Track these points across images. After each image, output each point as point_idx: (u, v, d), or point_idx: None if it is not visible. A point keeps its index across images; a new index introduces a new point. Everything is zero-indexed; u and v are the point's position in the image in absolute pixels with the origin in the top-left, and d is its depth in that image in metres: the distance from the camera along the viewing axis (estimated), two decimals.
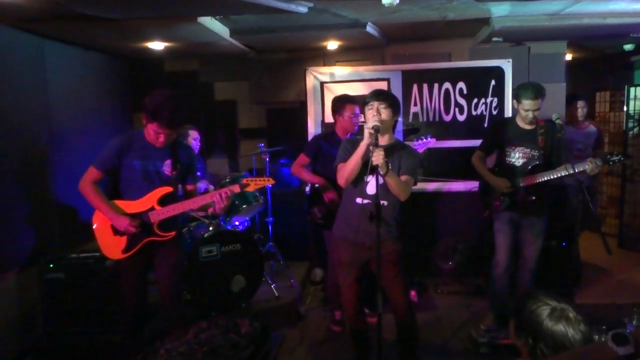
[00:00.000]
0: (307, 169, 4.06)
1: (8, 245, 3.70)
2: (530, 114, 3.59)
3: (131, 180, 3.01)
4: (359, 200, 2.95)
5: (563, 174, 3.53)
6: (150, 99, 2.88)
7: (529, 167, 3.65)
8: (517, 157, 3.73)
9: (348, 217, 3.03)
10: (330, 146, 3.91)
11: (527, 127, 3.70)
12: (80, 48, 4.68)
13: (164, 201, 3.02)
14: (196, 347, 2.39)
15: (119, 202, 3.03)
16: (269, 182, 3.18)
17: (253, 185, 3.11)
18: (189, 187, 3.25)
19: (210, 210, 3.15)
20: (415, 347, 3.21)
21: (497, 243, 3.86)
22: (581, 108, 4.78)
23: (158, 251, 3.12)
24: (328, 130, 4.30)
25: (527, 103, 3.57)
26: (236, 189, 3.06)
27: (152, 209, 3.01)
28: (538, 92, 3.55)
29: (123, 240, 3.02)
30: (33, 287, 3.88)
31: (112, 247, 3.05)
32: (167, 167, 3.05)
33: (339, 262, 3.14)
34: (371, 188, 2.82)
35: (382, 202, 2.88)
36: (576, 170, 3.40)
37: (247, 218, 4.71)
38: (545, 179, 3.59)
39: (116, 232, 3.02)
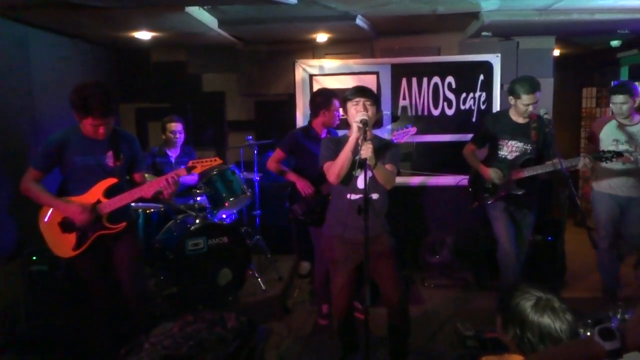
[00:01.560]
0: (283, 164, 4.01)
1: None
2: (530, 108, 3.60)
3: (74, 176, 2.97)
4: (349, 196, 2.94)
5: (551, 169, 3.55)
6: (75, 94, 2.80)
7: (521, 162, 3.66)
8: (509, 150, 3.74)
9: (340, 215, 2.99)
10: (309, 141, 3.87)
11: (521, 121, 3.72)
12: (65, 37, 4.59)
13: (110, 193, 2.97)
14: (182, 341, 2.36)
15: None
16: (215, 163, 3.11)
17: (200, 166, 3.05)
18: (136, 176, 3.20)
19: (160, 196, 3.10)
20: (406, 341, 3.22)
21: (497, 233, 3.83)
22: (619, 104, 3.83)
23: (114, 244, 3.07)
24: (305, 125, 4.24)
25: (526, 97, 3.57)
26: (182, 172, 3.03)
27: (99, 202, 2.96)
28: (536, 86, 3.58)
29: (72, 237, 2.96)
30: (16, 280, 3.82)
31: (62, 245, 2.99)
32: (109, 159, 3.00)
33: (333, 261, 3.11)
34: (361, 182, 2.82)
35: (373, 195, 2.91)
36: (564, 167, 3.41)
37: (235, 211, 4.69)
38: (533, 173, 3.62)
39: (65, 229, 2.96)
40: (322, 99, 3.90)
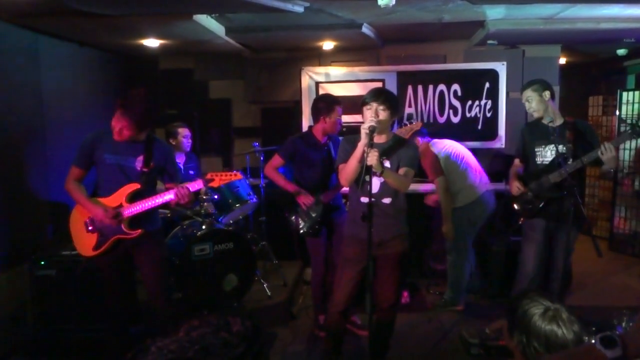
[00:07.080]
0: (283, 170, 3.92)
1: None
2: (527, 105, 3.54)
3: (104, 177, 3.01)
4: (362, 199, 2.96)
5: (595, 157, 3.29)
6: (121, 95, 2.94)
7: (556, 163, 3.45)
8: (547, 155, 3.55)
9: (356, 216, 2.98)
10: (308, 148, 3.75)
11: (553, 124, 3.54)
12: (74, 44, 4.66)
13: (133, 198, 2.99)
14: (187, 345, 2.38)
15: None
16: (235, 178, 3.09)
17: (218, 180, 3.04)
18: (169, 186, 3.18)
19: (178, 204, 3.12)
20: (387, 346, 3.22)
21: (525, 254, 3.65)
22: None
23: (137, 250, 3.08)
24: (305, 132, 4.09)
25: (521, 96, 3.58)
26: (200, 184, 3.02)
27: (121, 206, 2.98)
28: (526, 85, 3.55)
29: (94, 237, 3.01)
30: (23, 284, 3.85)
31: (84, 244, 3.05)
32: (138, 163, 3.01)
33: (345, 260, 3.11)
34: (374, 187, 2.84)
35: (385, 199, 2.94)
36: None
37: (241, 217, 4.71)
38: (574, 168, 3.34)
39: (88, 229, 3.01)
40: (324, 105, 3.74)
